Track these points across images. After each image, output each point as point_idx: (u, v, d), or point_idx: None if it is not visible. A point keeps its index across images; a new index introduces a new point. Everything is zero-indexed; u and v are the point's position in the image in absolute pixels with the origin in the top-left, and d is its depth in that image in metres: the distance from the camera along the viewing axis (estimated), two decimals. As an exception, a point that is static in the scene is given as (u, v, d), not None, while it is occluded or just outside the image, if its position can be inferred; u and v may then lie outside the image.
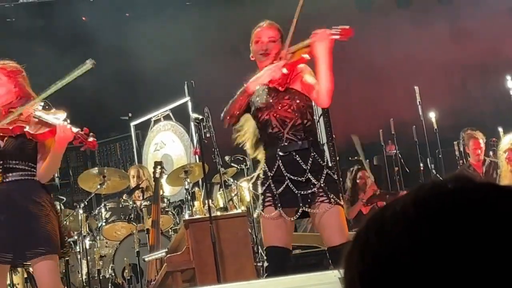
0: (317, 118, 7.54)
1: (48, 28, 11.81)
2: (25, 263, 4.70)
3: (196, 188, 8.06)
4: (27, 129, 4.55)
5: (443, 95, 11.76)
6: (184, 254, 5.32)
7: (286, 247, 4.40)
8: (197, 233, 5.33)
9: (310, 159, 4.35)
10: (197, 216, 6.55)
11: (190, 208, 7.68)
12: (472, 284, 0.82)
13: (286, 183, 4.34)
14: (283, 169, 4.36)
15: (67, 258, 6.95)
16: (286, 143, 4.38)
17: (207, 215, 5.40)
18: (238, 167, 8.66)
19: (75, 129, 4.55)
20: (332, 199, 4.28)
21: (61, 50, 11.79)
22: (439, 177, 9.17)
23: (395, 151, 10.13)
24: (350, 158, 9.89)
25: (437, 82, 12.24)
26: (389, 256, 0.86)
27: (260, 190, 4.47)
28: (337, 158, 8.37)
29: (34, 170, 4.60)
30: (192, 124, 9.23)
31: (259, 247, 8.24)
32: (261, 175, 4.49)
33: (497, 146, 8.64)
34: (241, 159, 8.74)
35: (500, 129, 9.49)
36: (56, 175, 7.37)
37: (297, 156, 4.36)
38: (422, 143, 9.38)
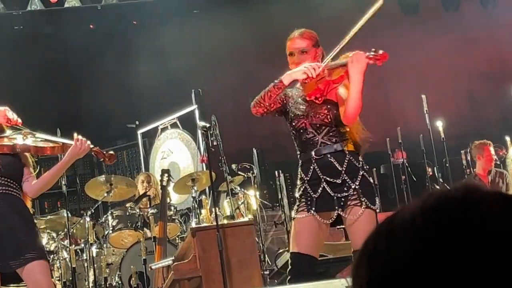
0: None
1: (55, 35, 11.85)
2: (14, 284, 4.80)
3: (203, 196, 8.05)
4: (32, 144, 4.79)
5: (450, 104, 11.75)
6: (191, 262, 5.31)
7: (311, 255, 4.33)
8: (204, 241, 5.32)
9: (346, 160, 4.34)
10: (204, 224, 6.54)
11: (197, 216, 7.67)
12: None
13: (322, 186, 4.32)
14: (318, 172, 4.35)
15: (73, 266, 7.01)
16: (320, 147, 4.37)
17: (214, 223, 5.39)
18: (245, 175, 8.66)
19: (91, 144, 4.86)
20: (363, 202, 4.26)
21: (68, 57, 11.84)
22: (446, 186, 9.15)
23: (402, 159, 10.11)
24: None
25: (444, 91, 12.23)
26: (397, 264, 0.86)
27: (296, 195, 4.46)
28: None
29: (19, 189, 4.76)
30: (199, 132, 9.24)
31: (266, 255, 8.24)
32: (298, 182, 4.48)
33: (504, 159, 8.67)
34: (248, 167, 8.74)
35: (508, 138, 9.49)
36: (63, 182, 7.38)
37: (332, 158, 4.34)
38: (429, 151, 9.37)
